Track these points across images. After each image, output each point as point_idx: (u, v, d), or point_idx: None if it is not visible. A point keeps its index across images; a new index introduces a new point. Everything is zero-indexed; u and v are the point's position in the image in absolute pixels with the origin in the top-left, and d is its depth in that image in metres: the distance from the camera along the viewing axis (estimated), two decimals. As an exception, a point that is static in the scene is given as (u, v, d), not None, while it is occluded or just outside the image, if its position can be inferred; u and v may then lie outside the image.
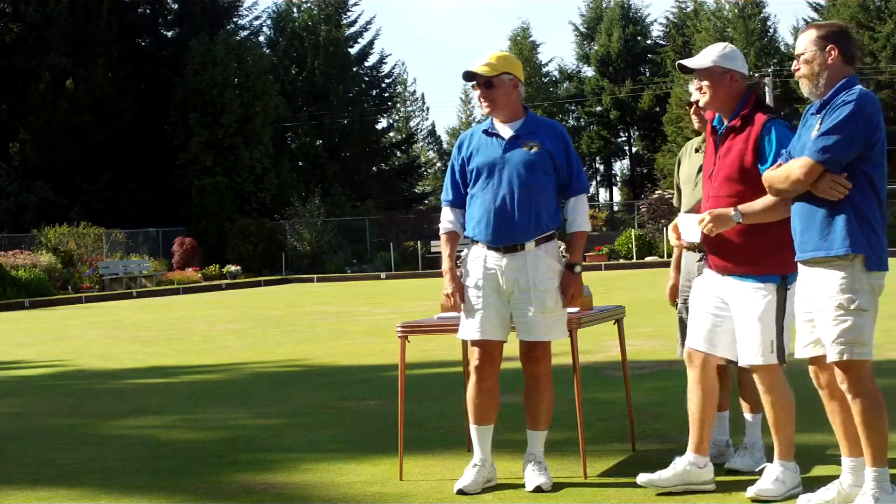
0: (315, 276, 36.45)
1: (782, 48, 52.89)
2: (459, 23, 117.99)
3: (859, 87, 4.27)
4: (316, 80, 50.58)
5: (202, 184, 41.06)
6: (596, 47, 55.59)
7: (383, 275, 35.69)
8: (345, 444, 6.43)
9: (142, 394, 9.44)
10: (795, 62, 4.42)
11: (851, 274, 4.23)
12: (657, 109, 53.76)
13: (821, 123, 4.26)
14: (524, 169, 5.06)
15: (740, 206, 4.64)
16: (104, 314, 22.34)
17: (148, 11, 47.63)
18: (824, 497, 4.47)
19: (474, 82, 5.15)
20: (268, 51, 49.56)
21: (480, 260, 5.12)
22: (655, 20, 71.30)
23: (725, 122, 4.84)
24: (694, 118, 5.44)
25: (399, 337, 5.44)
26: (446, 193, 5.31)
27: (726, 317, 4.80)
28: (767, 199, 4.60)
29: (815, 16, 51.70)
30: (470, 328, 5.12)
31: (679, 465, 4.86)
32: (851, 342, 4.26)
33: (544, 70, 52.92)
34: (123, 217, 39.33)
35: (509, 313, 5.11)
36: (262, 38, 51.29)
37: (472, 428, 5.18)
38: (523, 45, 52.30)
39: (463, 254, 5.38)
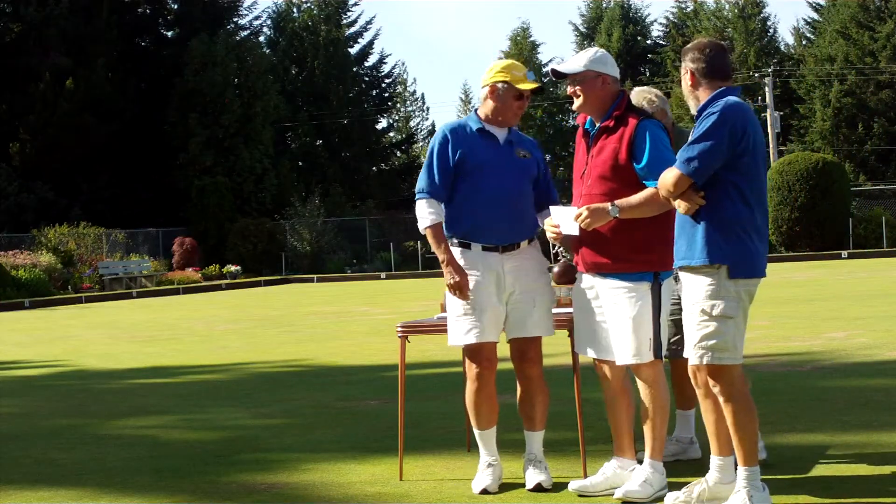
0: (315, 276, 36.45)
1: (782, 48, 52.90)
2: (459, 23, 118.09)
3: (728, 97, 4.41)
4: (316, 80, 50.55)
5: (202, 184, 41.04)
6: (596, 47, 55.62)
7: (383, 275, 35.68)
8: (345, 444, 6.43)
9: (142, 394, 9.45)
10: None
11: (717, 281, 4.36)
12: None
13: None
14: (520, 173, 5.14)
15: (617, 201, 4.72)
16: (104, 314, 22.35)
17: (148, 11, 47.63)
18: (691, 494, 4.56)
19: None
20: (268, 51, 49.55)
21: (476, 261, 5.08)
22: (655, 20, 71.24)
23: (598, 124, 4.91)
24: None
25: (399, 337, 5.43)
26: (429, 185, 5.12)
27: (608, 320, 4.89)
28: (643, 194, 4.72)
29: (815, 16, 51.71)
30: (471, 333, 5.05)
31: (608, 469, 4.94)
32: (713, 347, 4.37)
33: (544, 70, 52.87)
34: (123, 217, 39.32)
35: (504, 314, 5.11)
36: (262, 38, 51.29)
37: (478, 433, 5.17)
38: (523, 45, 52.26)
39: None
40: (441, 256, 5.06)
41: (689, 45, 4.64)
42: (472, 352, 5.11)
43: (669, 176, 4.39)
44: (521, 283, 5.07)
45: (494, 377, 5.15)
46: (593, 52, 4.97)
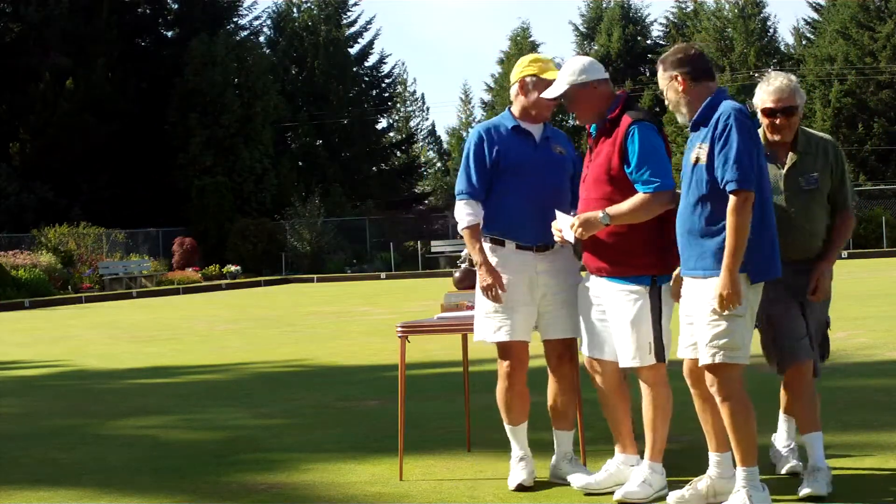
0: (315, 276, 36.46)
1: (782, 48, 52.89)
2: (459, 23, 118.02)
3: (728, 101, 4.43)
4: (316, 80, 50.54)
5: (202, 184, 41.04)
6: (596, 47, 55.58)
7: (383, 275, 35.69)
8: (345, 444, 6.43)
9: (142, 394, 9.45)
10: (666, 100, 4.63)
11: None
12: (657, 109, 53.83)
13: (706, 147, 4.39)
14: (557, 171, 5.14)
15: (608, 209, 4.72)
16: (104, 314, 22.35)
17: (148, 11, 47.62)
18: (696, 492, 4.58)
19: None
20: (268, 51, 49.54)
21: (509, 260, 5.08)
22: (655, 20, 71.12)
23: (597, 128, 4.93)
24: None
25: (399, 337, 5.44)
26: (468, 185, 5.11)
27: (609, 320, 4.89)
28: (633, 201, 4.71)
29: (815, 16, 51.70)
30: (500, 331, 5.06)
31: (611, 466, 4.96)
32: (724, 346, 4.38)
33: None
34: (123, 217, 39.30)
35: (535, 314, 5.10)
36: (262, 38, 51.28)
37: (509, 429, 5.19)
38: (523, 45, 52.22)
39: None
40: (476, 258, 5.06)
41: (667, 54, 4.62)
42: (504, 350, 5.11)
43: (741, 198, 4.28)
44: (554, 284, 5.08)
45: (525, 375, 5.15)
46: (573, 65, 4.95)
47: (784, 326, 4.82)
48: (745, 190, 4.29)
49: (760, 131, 4.86)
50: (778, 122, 4.85)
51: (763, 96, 4.91)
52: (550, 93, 4.98)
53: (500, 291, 5.00)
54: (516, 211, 5.06)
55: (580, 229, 4.74)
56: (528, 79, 5.14)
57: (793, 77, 4.95)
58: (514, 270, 5.06)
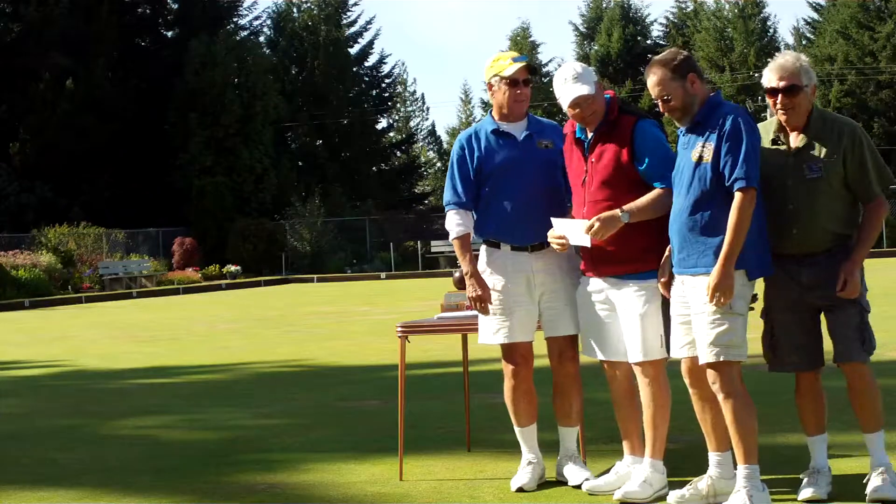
0: (315, 276, 36.46)
1: (782, 48, 52.86)
2: (459, 23, 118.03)
3: (730, 103, 4.53)
4: (316, 80, 50.54)
5: (202, 184, 41.06)
6: (596, 47, 55.55)
7: (383, 275, 35.69)
8: (345, 444, 6.43)
9: (142, 394, 9.45)
10: (662, 104, 4.57)
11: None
12: (657, 109, 53.79)
13: (711, 146, 4.42)
14: (545, 167, 5.10)
15: (626, 206, 4.70)
16: (104, 314, 22.35)
17: (148, 11, 47.63)
18: (696, 492, 4.58)
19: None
20: (268, 51, 49.55)
21: (506, 262, 5.08)
22: (655, 20, 70.92)
23: (590, 131, 4.87)
24: None
25: (399, 337, 5.44)
26: (454, 196, 5.14)
27: (617, 321, 4.88)
28: (651, 196, 4.72)
29: (815, 16, 51.71)
30: (500, 332, 5.07)
31: (621, 468, 4.95)
32: (727, 344, 4.40)
33: (544, 70, 52.84)
34: (123, 217, 39.29)
35: (537, 313, 5.11)
36: (262, 38, 51.28)
37: (518, 431, 5.19)
38: (523, 45, 52.22)
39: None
40: (465, 268, 5.06)
41: (671, 58, 4.56)
42: (506, 351, 5.13)
43: (749, 196, 4.33)
44: (552, 282, 5.07)
45: (531, 374, 5.16)
46: (584, 67, 4.92)
47: (777, 330, 4.76)
48: (753, 188, 4.34)
49: (771, 120, 4.77)
50: (780, 101, 4.52)
51: (769, 74, 4.60)
52: (580, 90, 4.78)
53: (487, 303, 5.02)
54: (506, 213, 5.06)
55: (602, 230, 4.69)
56: (492, 80, 5.15)
57: (803, 56, 4.67)
58: (511, 271, 5.07)
